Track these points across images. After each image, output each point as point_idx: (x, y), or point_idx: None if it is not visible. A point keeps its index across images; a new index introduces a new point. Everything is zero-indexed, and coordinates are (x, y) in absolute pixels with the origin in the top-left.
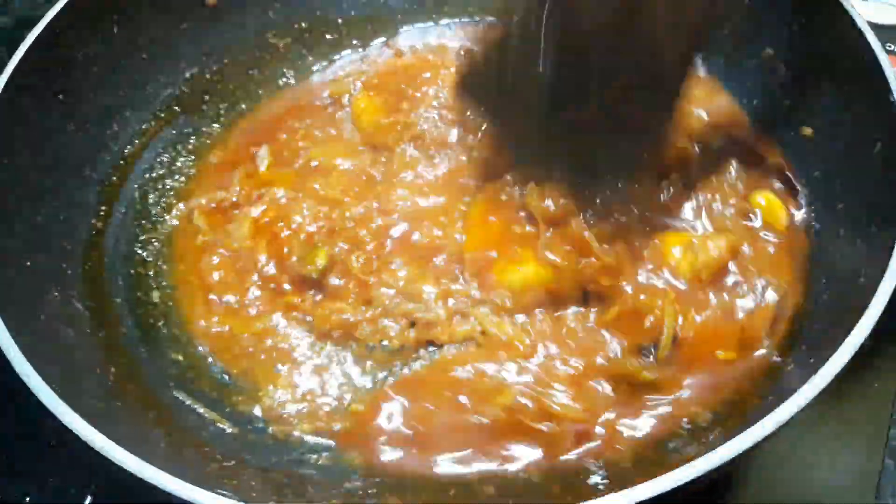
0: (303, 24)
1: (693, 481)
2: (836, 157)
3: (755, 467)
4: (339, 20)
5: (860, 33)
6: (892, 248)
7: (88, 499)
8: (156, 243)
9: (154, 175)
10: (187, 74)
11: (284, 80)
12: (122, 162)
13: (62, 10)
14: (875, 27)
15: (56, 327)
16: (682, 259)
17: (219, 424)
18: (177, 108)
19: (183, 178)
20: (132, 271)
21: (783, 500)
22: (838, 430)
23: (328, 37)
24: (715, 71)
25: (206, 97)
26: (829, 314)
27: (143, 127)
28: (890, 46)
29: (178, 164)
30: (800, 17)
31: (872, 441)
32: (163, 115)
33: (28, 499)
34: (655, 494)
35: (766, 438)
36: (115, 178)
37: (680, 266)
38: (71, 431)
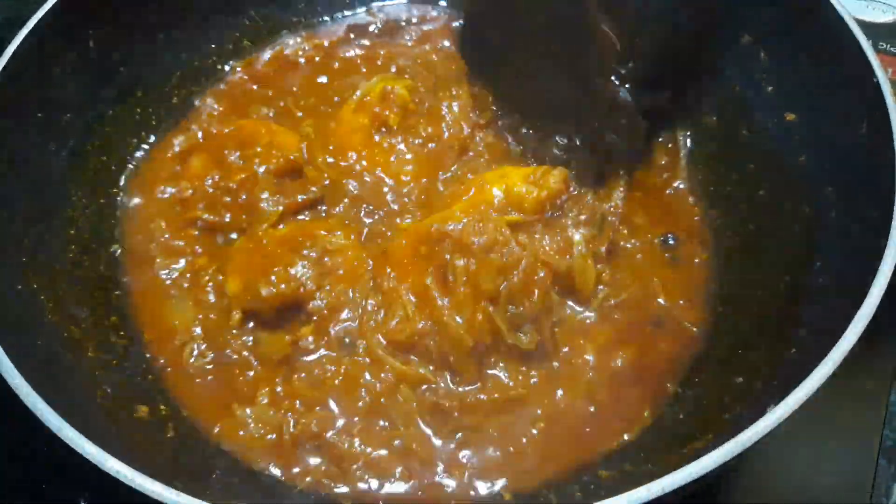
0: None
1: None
2: (821, 141)
3: (751, 468)
4: None
5: (838, 15)
6: (889, 227)
7: None
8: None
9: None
10: (165, 89)
11: None
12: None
13: (33, 29)
14: (866, 25)
15: (55, 350)
16: None
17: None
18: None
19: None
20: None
21: (779, 501)
22: (832, 431)
23: None
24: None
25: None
26: (828, 298)
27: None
28: (882, 45)
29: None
30: (777, 2)
31: (866, 441)
32: (143, 132)
33: None
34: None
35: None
36: (102, 193)
37: None
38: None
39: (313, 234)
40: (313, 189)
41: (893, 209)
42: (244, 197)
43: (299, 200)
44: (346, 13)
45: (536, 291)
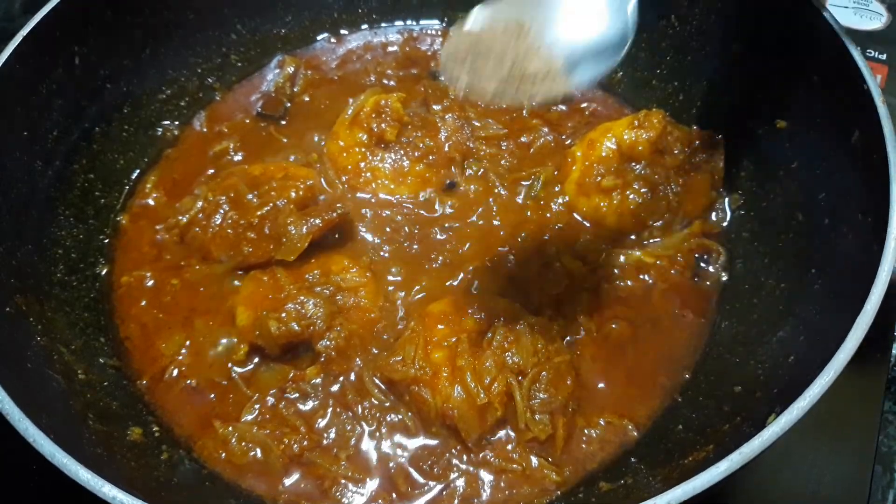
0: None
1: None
2: (813, 148)
3: (746, 475)
4: None
5: (827, 23)
6: (885, 233)
7: None
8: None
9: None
10: (153, 106)
11: None
12: (93, 195)
13: (18, 45)
14: (855, 33)
15: (45, 374)
16: None
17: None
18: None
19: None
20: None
21: None
22: (828, 438)
23: None
24: (684, 68)
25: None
26: (826, 305)
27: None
28: (870, 52)
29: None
30: (764, 11)
31: (861, 448)
32: (132, 151)
33: None
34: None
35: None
36: (90, 213)
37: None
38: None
39: (328, 269)
40: (339, 206)
41: (888, 216)
42: (268, 228)
43: (327, 218)
44: (334, 27)
45: (563, 387)
